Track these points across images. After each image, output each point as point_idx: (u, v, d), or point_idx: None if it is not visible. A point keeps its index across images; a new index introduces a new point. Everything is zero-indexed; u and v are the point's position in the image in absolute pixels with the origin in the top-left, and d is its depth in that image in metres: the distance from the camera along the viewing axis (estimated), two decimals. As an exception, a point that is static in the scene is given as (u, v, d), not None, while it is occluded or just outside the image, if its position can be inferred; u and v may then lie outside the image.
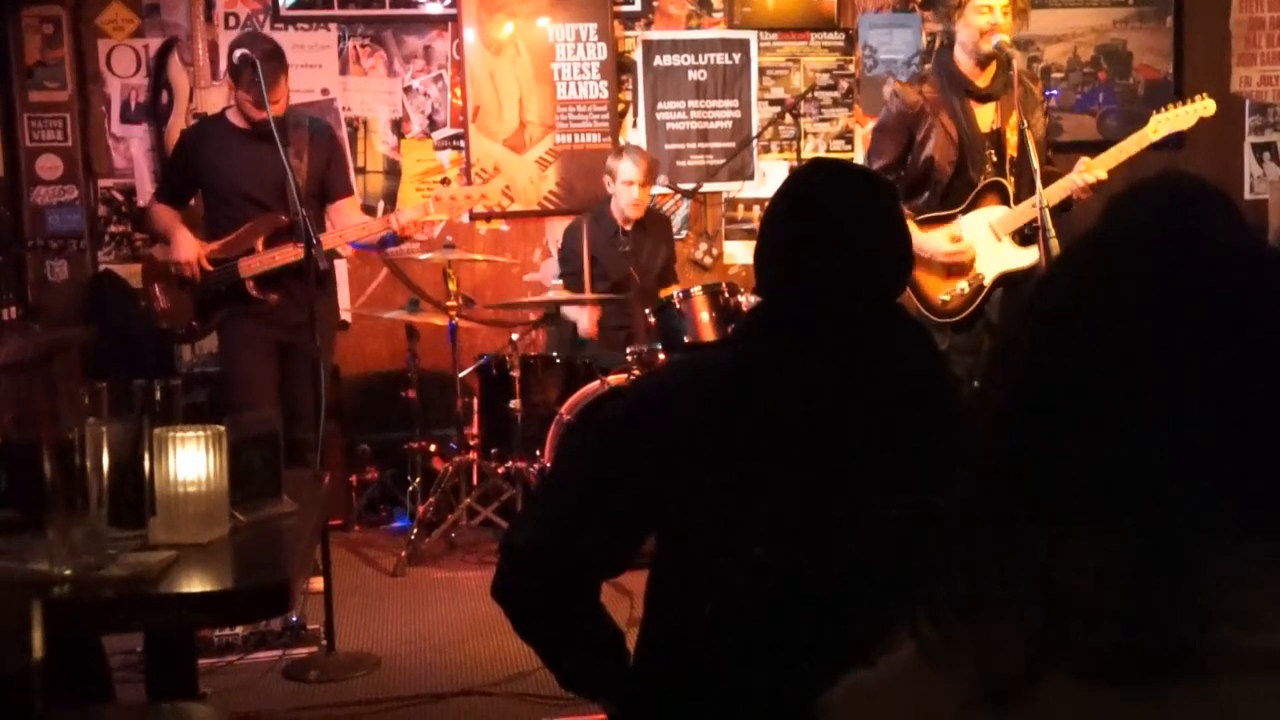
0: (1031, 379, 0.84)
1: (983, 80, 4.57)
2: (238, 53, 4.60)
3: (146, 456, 2.16)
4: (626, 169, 5.44)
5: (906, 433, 1.73)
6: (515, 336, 5.18)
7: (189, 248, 4.75)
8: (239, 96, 4.67)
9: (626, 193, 5.44)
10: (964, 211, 4.61)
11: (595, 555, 1.83)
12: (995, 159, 4.59)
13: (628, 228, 5.52)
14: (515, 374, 5.06)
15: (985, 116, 4.60)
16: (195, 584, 1.99)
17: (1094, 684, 0.75)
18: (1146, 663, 0.74)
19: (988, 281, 4.58)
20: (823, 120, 6.44)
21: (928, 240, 4.56)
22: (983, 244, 4.59)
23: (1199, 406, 0.78)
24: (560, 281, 5.64)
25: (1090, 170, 4.46)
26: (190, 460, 2.15)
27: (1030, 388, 0.84)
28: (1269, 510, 0.77)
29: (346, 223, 4.90)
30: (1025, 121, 4.42)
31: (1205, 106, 4.59)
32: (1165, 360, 0.79)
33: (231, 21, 5.91)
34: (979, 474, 0.85)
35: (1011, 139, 4.52)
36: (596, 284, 5.52)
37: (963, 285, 4.61)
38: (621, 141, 6.14)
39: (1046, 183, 4.48)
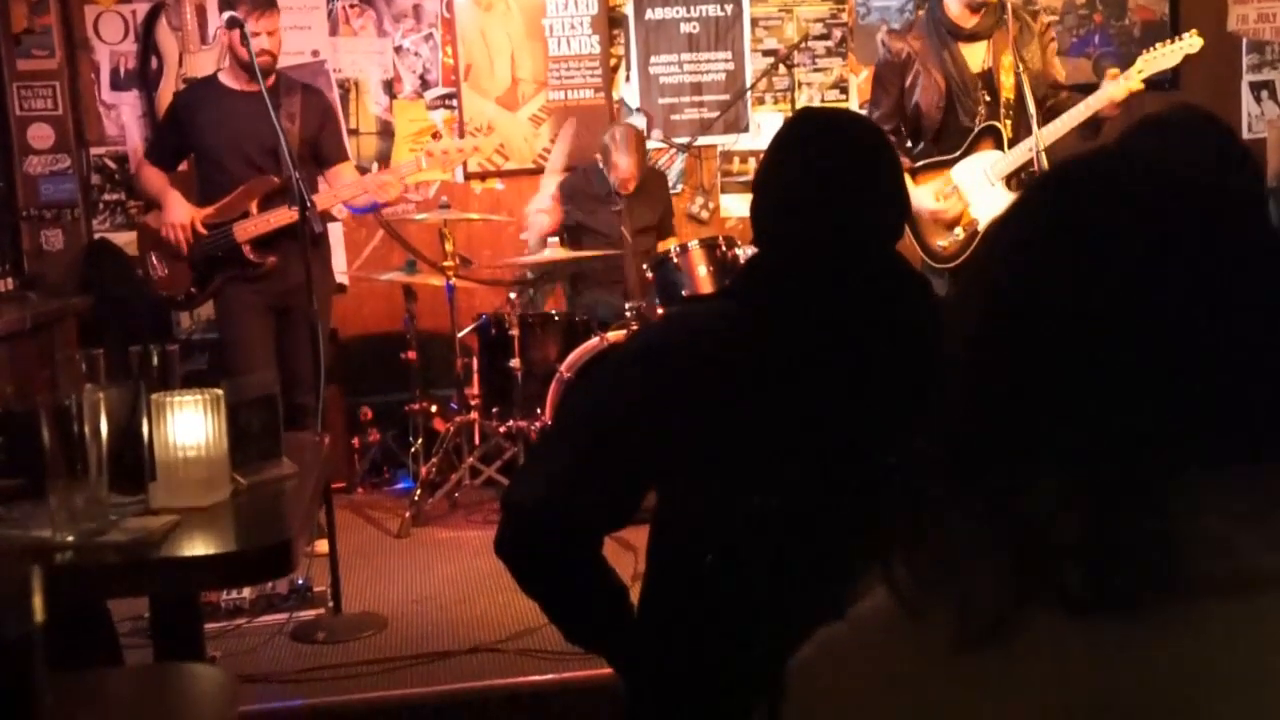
0: (990, 321, 0.85)
1: (969, 20, 4.55)
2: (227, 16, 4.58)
3: (145, 422, 2.15)
4: (624, 164, 5.38)
5: (904, 380, 1.72)
6: (513, 295, 5.17)
7: (181, 211, 4.73)
8: (233, 40, 4.62)
9: (619, 181, 5.41)
10: (959, 158, 4.61)
11: (597, 509, 1.83)
12: (989, 99, 4.56)
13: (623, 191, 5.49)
14: (514, 333, 5.06)
15: (975, 56, 4.57)
16: (198, 547, 1.99)
17: (1073, 617, 0.76)
18: (1121, 592, 0.75)
19: (981, 227, 4.58)
20: (817, 70, 6.39)
21: (917, 194, 4.57)
22: (976, 190, 4.59)
23: (1153, 338, 0.79)
24: (555, 239, 5.61)
25: (1119, 89, 4.38)
26: (189, 425, 2.15)
27: (990, 328, 0.85)
28: (1228, 437, 0.78)
29: (343, 183, 4.88)
30: (1019, 63, 4.40)
31: (1191, 44, 4.55)
32: (1119, 292, 0.80)
33: (218, -16, 5.86)
34: (944, 418, 0.86)
35: (1006, 80, 4.50)
36: (590, 241, 5.51)
37: (958, 231, 4.62)
38: (616, 98, 6.11)
39: (1053, 115, 4.47)
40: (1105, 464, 0.77)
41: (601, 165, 5.52)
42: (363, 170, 5.88)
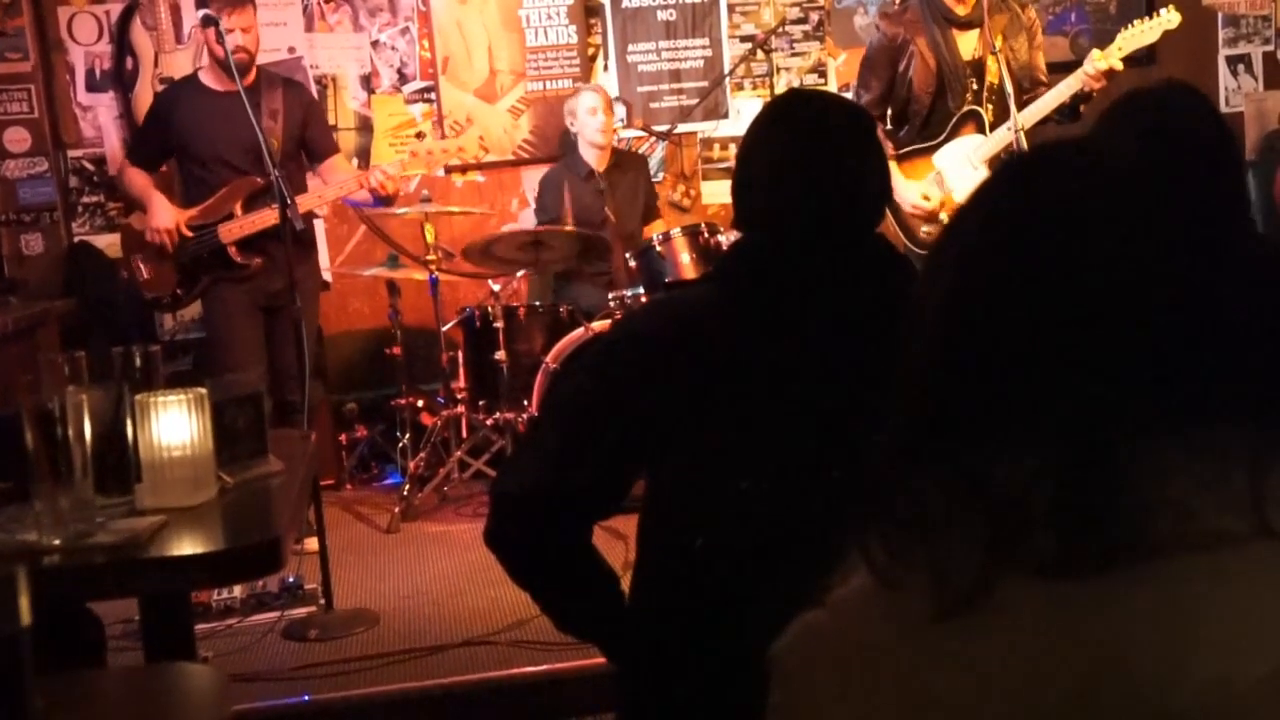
0: (955, 296, 0.87)
1: (963, 7, 4.55)
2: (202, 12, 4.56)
3: (129, 423, 2.14)
4: (586, 99, 5.48)
5: (889, 361, 1.72)
6: (497, 287, 5.16)
7: (166, 215, 4.71)
8: (209, 39, 4.60)
9: (592, 123, 5.44)
10: (942, 143, 4.61)
11: (585, 496, 1.82)
12: (976, 87, 4.57)
13: (601, 169, 5.50)
14: (499, 325, 5.05)
15: (967, 44, 4.58)
16: (186, 547, 1.98)
17: (1045, 583, 0.78)
18: (1091, 557, 0.77)
19: (966, 212, 4.58)
20: (795, 55, 6.39)
21: (902, 188, 4.58)
22: (959, 174, 4.59)
23: (1109, 308, 0.81)
24: (536, 227, 5.62)
25: (1104, 58, 4.43)
26: (174, 424, 2.14)
27: (955, 303, 0.87)
28: (1186, 400, 0.80)
29: (337, 180, 4.87)
30: (997, 45, 4.42)
31: (1169, 19, 4.56)
32: (1077, 265, 0.82)
33: (192, -17, 5.83)
34: (914, 394, 0.87)
35: (993, 66, 4.51)
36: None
37: (943, 217, 4.62)
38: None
39: (1032, 101, 4.49)
40: (1072, 433, 0.79)
41: (573, 127, 5.54)
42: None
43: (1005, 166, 0.92)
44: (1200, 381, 0.80)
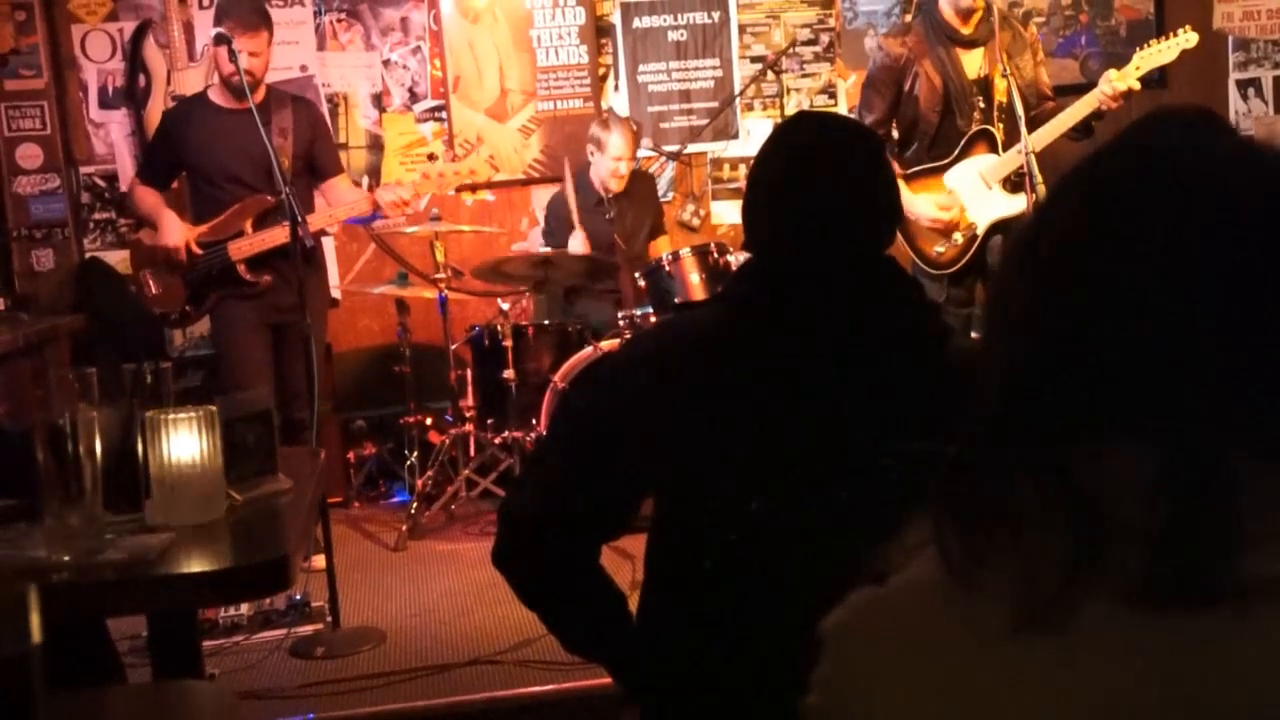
0: (1053, 297, 0.82)
1: (967, 27, 4.55)
2: (214, 32, 4.58)
3: (140, 440, 2.15)
4: (615, 144, 5.36)
5: (898, 381, 1.72)
6: (506, 306, 5.17)
7: (177, 232, 4.72)
8: (218, 56, 4.61)
9: (612, 166, 5.38)
10: (953, 162, 4.61)
11: (593, 517, 1.82)
12: (984, 106, 4.57)
13: (610, 195, 5.49)
14: (507, 343, 5.05)
15: (973, 63, 4.58)
16: (195, 564, 1.98)
17: (1132, 609, 0.74)
18: (1182, 588, 0.73)
19: (981, 230, 4.59)
20: (805, 76, 6.40)
21: (916, 203, 4.56)
22: (973, 193, 4.59)
23: (1234, 324, 0.76)
24: (546, 250, 5.62)
25: (1122, 79, 4.42)
26: (184, 442, 2.14)
27: (1053, 305, 0.81)
28: None
29: (339, 200, 4.88)
30: (1006, 66, 4.42)
31: (1187, 39, 4.56)
32: (1196, 275, 0.77)
33: (205, 1, 5.86)
34: (1004, 394, 0.82)
35: (1000, 85, 4.51)
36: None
37: (957, 237, 4.61)
38: (604, 106, 6.10)
39: (1044, 120, 4.49)
40: (1185, 451, 0.74)
41: (591, 156, 5.49)
42: (353, 184, 5.89)
43: (1101, 152, 0.86)
44: None
